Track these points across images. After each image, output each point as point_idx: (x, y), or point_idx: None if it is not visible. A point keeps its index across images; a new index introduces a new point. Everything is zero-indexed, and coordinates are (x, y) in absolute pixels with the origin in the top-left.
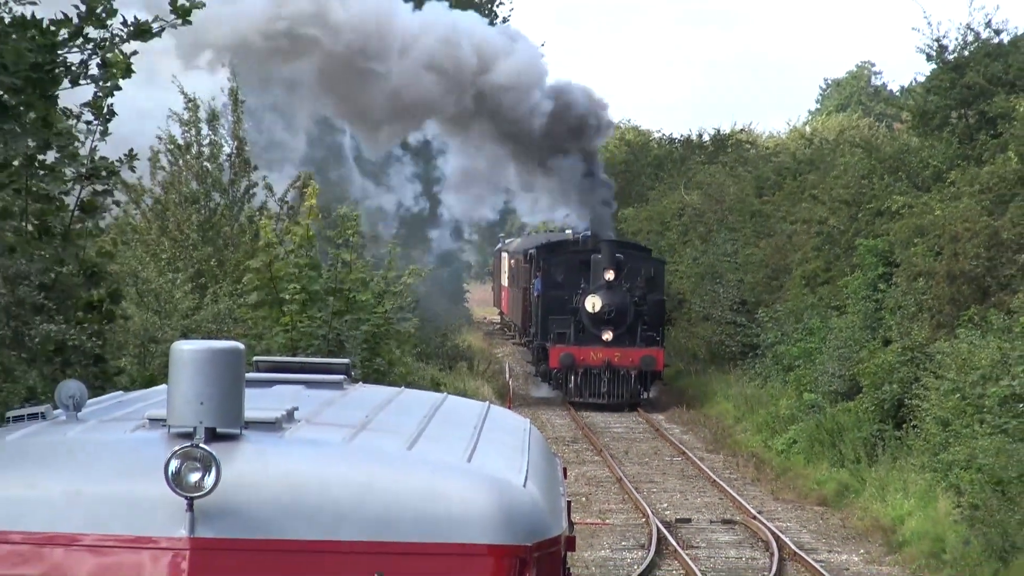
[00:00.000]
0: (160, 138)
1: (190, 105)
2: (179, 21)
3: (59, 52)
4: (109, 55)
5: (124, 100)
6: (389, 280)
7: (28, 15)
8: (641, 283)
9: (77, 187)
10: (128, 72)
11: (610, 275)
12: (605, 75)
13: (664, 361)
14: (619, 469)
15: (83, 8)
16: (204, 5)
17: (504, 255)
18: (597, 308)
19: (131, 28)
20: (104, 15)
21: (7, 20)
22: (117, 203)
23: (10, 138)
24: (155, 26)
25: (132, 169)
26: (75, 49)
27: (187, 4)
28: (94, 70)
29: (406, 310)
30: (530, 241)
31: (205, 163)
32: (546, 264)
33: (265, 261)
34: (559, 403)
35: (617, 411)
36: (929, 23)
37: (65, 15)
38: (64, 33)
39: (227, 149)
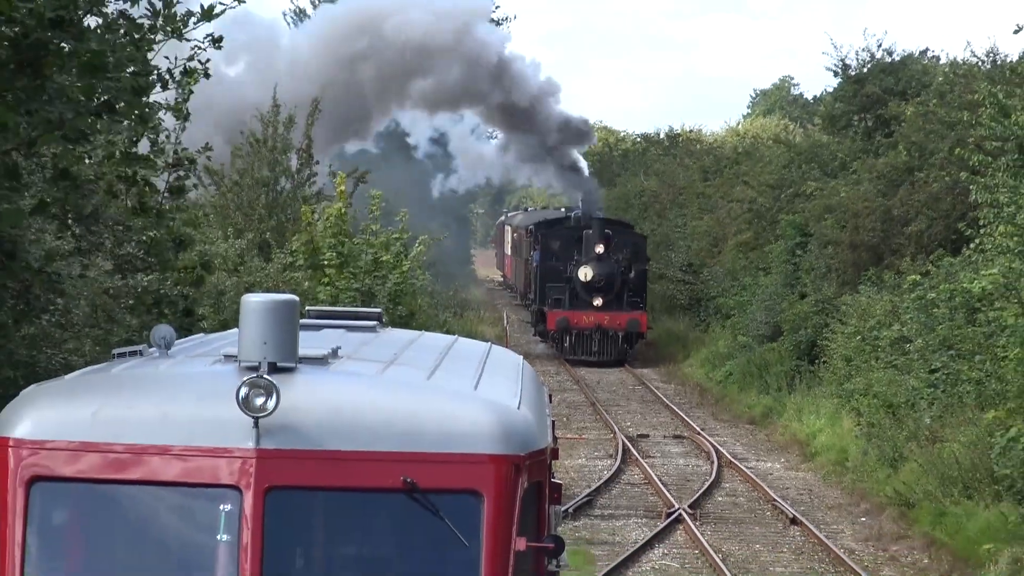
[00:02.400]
0: (242, 132)
1: (273, 108)
2: (236, 4)
3: (149, 52)
4: (190, 64)
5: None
6: (405, 241)
7: (122, 13)
8: (627, 255)
9: (166, 174)
10: (206, 74)
11: (600, 248)
12: (582, 86)
13: (647, 323)
14: (592, 396)
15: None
16: None
17: (507, 228)
18: (589, 277)
19: (200, 14)
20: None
21: (107, 23)
22: (196, 186)
23: (115, 131)
24: (217, 8)
25: (208, 159)
26: (159, 39)
27: None
28: (177, 76)
29: (423, 269)
30: (530, 217)
31: (277, 155)
32: (544, 239)
33: (308, 238)
34: (552, 356)
35: (607, 367)
36: (835, 47)
37: (149, 7)
38: (147, 23)
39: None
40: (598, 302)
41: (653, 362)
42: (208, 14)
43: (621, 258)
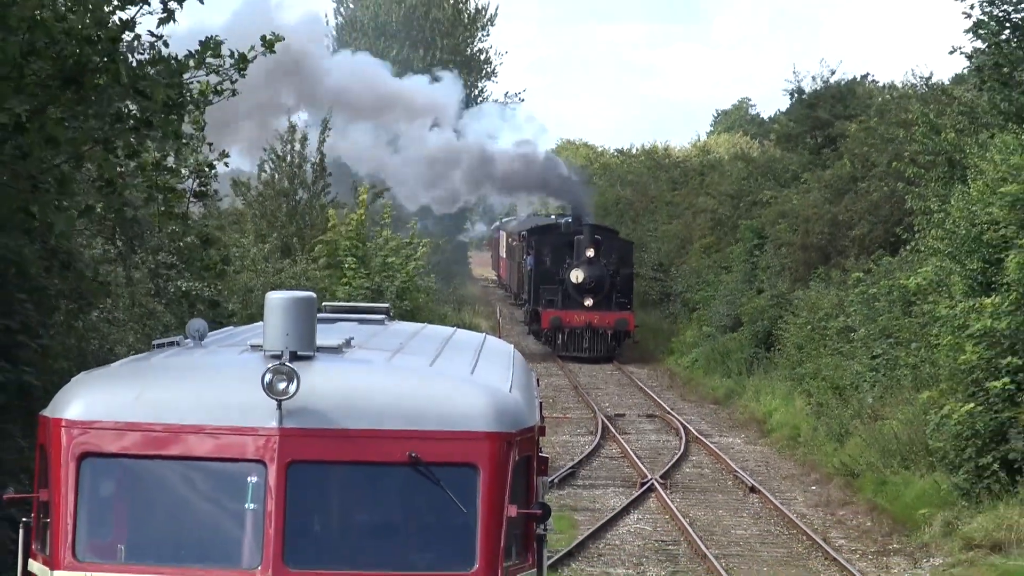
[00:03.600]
0: (265, 149)
1: (289, 127)
2: (267, 51)
3: (184, 80)
4: (223, 86)
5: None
6: (413, 245)
7: (162, 54)
8: (615, 259)
9: (189, 181)
10: (233, 92)
11: (590, 252)
12: (565, 108)
13: (634, 323)
14: (575, 380)
15: (199, 46)
16: (284, 39)
17: (502, 232)
18: (580, 279)
19: (236, 59)
20: (216, 47)
21: (146, 58)
22: (216, 191)
23: (155, 143)
24: (250, 55)
25: (226, 165)
26: (200, 73)
27: (272, 38)
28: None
29: (426, 270)
30: (523, 224)
31: (295, 168)
32: (537, 244)
33: (332, 238)
34: (544, 352)
35: (596, 363)
36: (794, 72)
37: (189, 51)
38: (190, 62)
39: (312, 159)
40: (589, 302)
41: (628, 351)
42: (243, 59)
43: (609, 262)
